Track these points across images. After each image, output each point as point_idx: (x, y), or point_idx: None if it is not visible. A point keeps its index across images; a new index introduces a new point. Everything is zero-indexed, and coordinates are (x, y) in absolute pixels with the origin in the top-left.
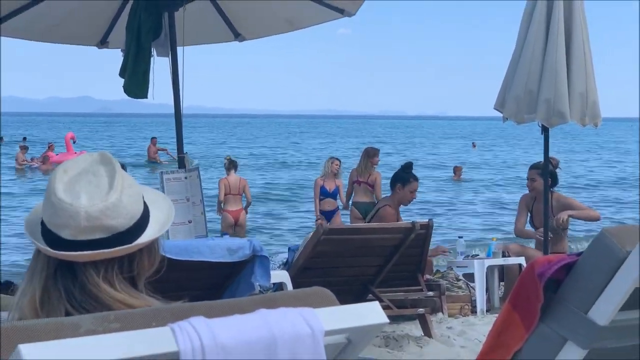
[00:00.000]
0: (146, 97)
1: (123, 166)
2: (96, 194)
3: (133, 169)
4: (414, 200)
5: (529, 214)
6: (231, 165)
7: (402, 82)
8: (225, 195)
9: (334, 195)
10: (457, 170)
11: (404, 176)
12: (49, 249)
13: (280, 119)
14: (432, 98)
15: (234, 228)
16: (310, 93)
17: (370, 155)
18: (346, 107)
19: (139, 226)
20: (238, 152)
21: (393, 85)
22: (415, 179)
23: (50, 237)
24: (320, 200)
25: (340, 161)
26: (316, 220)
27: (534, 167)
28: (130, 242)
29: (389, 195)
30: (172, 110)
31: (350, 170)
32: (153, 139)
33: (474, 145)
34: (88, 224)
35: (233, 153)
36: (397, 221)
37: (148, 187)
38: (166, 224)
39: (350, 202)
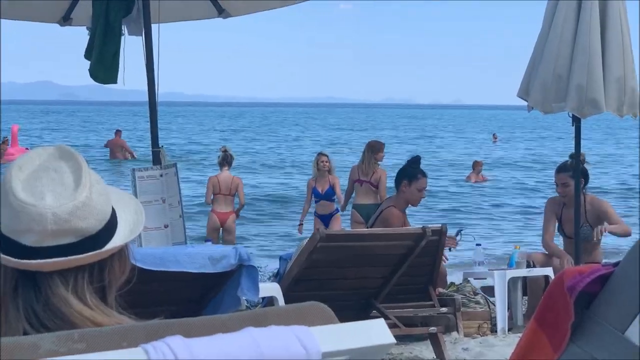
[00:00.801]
0: (116, 83)
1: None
2: (63, 192)
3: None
4: (423, 199)
5: (557, 222)
6: (225, 160)
7: (411, 67)
8: (215, 195)
9: (327, 196)
10: (476, 165)
11: (411, 172)
12: (10, 258)
13: (270, 108)
14: (446, 84)
15: (220, 232)
16: (305, 79)
17: (374, 150)
18: (346, 95)
19: (109, 229)
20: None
21: (400, 70)
22: (424, 175)
23: (7, 246)
24: (316, 202)
25: (327, 156)
26: (298, 225)
27: (562, 169)
28: (102, 247)
29: (393, 195)
30: (146, 98)
31: (350, 167)
32: (117, 132)
33: (495, 138)
34: (56, 227)
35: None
36: (404, 225)
37: (109, 185)
38: (137, 226)
39: (351, 203)
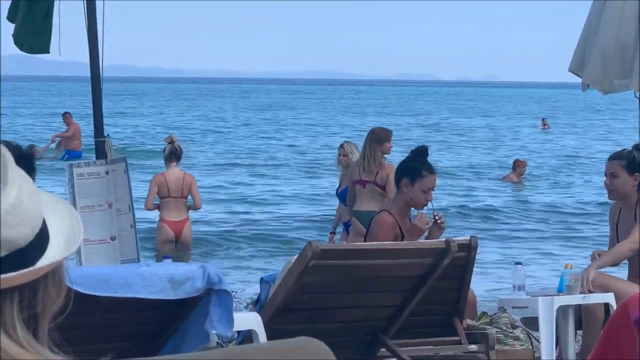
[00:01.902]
0: (48, 52)
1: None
2: None
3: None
4: (429, 205)
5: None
6: (173, 153)
7: (431, 37)
8: (163, 198)
9: (342, 197)
10: (519, 165)
11: (414, 167)
12: None
13: (251, 85)
14: (476, 58)
15: (175, 246)
16: (297, 50)
17: (379, 139)
18: (348, 69)
19: (42, 240)
20: (187, 134)
21: (417, 40)
22: (431, 171)
23: None
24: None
25: (348, 147)
26: (329, 234)
27: (616, 156)
28: (34, 263)
29: (395, 196)
30: (88, 72)
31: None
32: (66, 115)
33: (544, 124)
34: None
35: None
36: (401, 235)
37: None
38: (75, 236)
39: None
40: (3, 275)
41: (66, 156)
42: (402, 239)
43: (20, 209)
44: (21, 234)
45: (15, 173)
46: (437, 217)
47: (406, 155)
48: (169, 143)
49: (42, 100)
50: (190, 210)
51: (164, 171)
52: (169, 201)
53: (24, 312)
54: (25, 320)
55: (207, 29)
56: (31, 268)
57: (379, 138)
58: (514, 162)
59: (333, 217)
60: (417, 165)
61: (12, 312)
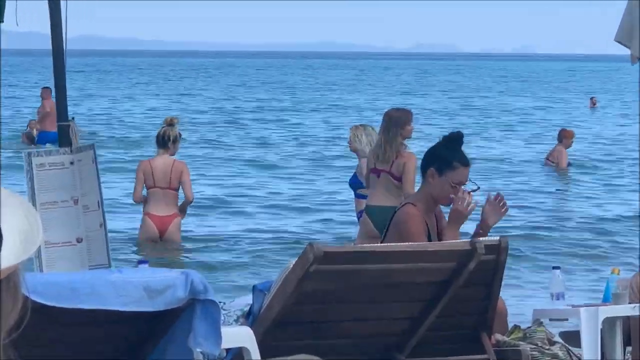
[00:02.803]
0: (2, 21)
1: None
2: None
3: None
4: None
5: None
6: (166, 137)
7: (453, 2)
8: (149, 188)
9: (353, 187)
10: (565, 136)
11: (444, 155)
12: None
13: (243, 59)
14: (507, 26)
15: (159, 245)
16: (292, 18)
17: (397, 122)
18: (354, 40)
19: None
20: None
21: (436, 6)
22: (464, 162)
23: None
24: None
25: (354, 129)
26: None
27: None
28: None
29: (420, 188)
30: (49, 45)
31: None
32: (45, 89)
33: (593, 103)
34: None
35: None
36: (429, 233)
37: None
38: (32, 236)
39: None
40: None
41: (37, 139)
42: (429, 238)
43: None
44: None
45: None
46: (493, 198)
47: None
48: (167, 124)
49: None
50: (184, 209)
51: (151, 157)
52: (155, 192)
53: None
54: None
55: None
56: None
57: (398, 121)
58: (559, 133)
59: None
60: (448, 154)
61: None
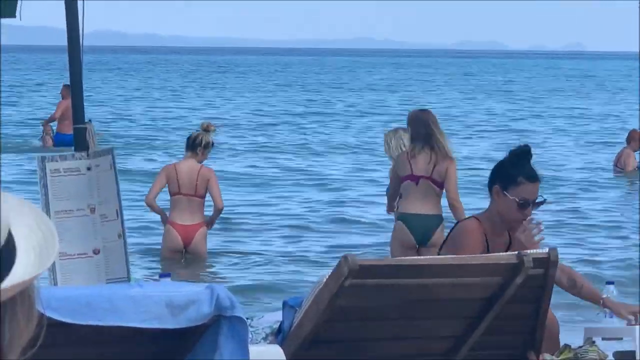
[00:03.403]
0: (14, 17)
1: None
2: None
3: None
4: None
5: None
6: (197, 143)
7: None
8: (173, 195)
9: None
10: (634, 137)
11: (509, 171)
12: None
13: (273, 56)
14: (554, 23)
15: (183, 257)
16: (327, 14)
17: (429, 123)
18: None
19: (7, 254)
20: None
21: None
22: (530, 178)
23: None
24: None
25: (387, 136)
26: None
27: None
28: None
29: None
30: (65, 41)
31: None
32: (66, 87)
33: None
34: None
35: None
36: (489, 251)
37: None
38: (48, 249)
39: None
40: None
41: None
42: None
43: None
44: None
45: None
46: (530, 226)
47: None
48: (203, 129)
49: (8, 76)
50: (214, 219)
51: (176, 162)
52: (179, 199)
53: None
54: None
55: None
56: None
57: (436, 122)
58: (628, 134)
59: None
60: (513, 169)
61: None
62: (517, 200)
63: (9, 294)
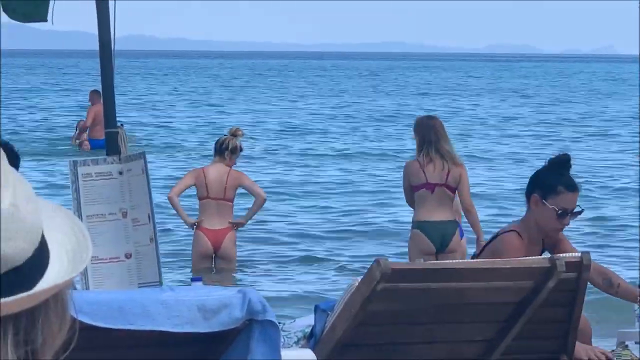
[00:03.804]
0: (45, 20)
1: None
2: None
3: (29, 164)
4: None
5: None
6: (224, 147)
7: (526, 3)
8: (202, 199)
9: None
10: None
11: (548, 180)
12: None
13: (304, 60)
14: (584, 26)
15: (214, 261)
16: (356, 17)
17: (438, 130)
18: (425, 40)
19: (41, 257)
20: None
21: (511, 4)
22: (570, 187)
23: None
24: None
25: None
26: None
27: None
28: (32, 286)
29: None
30: (96, 46)
31: (405, 164)
32: (94, 93)
33: None
34: None
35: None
36: None
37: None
38: (81, 254)
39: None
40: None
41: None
42: None
43: (17, 218)
44: (18, 249)
45: (11, 175)
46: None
47: (544, 165)
48: (231, 134)
49: (31, 79)
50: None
51: (205, 165)
52: (208, 204)
53: (19, 348)
54: (21, 358)
55: None
56: (30, 292)
57: (441, 127)
58: None
59: None
60: (552, 178)
61: (7, 347)
62: (556, 209)
63: (43, 297)
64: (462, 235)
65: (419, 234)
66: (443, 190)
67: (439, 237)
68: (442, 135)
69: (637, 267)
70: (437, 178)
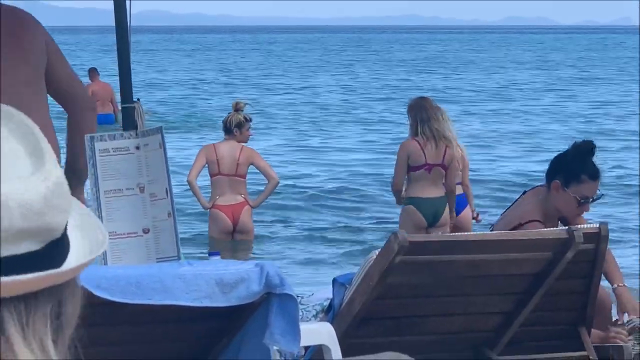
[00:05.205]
0: None
1: None
2: (22, 169)
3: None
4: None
5: None
6: (229, 122)
7: None
8: (214, 176)
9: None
10: None
11: (572, 167)
12: None
13: (320, 34)
14: None
15: (233, 236)
16: None
17: (432, 110)
18: (441, 13)
19: (65, 234)
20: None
21: None
22: (593, 175)
23: None
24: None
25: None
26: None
27: None
28: (63, 260)
29: (541, 195)
30: (112, 21)
31: (401, 144)
32: (93, 72)
33: None
34: (24, 223)
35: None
36: None
37: None
38: (97, 232)
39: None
40: (46, 272)
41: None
42: None
43: (63, 189)
44: (61, 221)
45: (49, 147)
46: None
47: (566, 149)
48: (234, 109)
49: None
50: (267, 194)
51: (216, 142)
52: (220, 180)
53: (52, 323)
54: (52, 334)
55: None
56: (72, 266)
57: (431, 107)
58: None
59: None
60: (576, 166)
61: (44, 322)
62: (577, 197)
63: (77, 271)
64: (465, 206)
65: (412, 209)
66: (438, 170)
67: (432, 213)
68: (436, 114)
69: (637, 268)
70: (435, 158)
